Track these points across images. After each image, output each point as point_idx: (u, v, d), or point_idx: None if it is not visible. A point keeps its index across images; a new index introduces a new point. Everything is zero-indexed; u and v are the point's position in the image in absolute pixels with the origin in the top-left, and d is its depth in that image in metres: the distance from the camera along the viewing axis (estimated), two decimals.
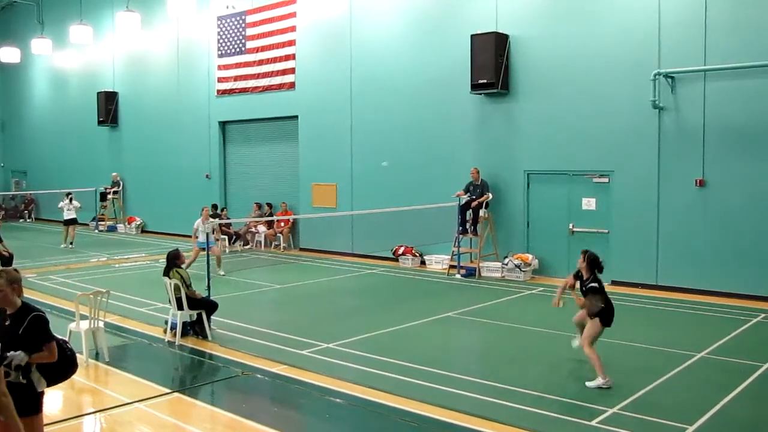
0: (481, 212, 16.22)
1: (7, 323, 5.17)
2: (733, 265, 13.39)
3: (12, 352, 4.96)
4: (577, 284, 8.55)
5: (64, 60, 30.42)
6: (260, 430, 7.02)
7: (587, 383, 8.11)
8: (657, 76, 13.92)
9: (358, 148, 19.52)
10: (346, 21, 19.60)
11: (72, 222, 22.14)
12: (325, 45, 20.25)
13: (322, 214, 19.62)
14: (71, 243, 21.97)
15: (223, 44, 23.14)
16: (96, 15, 27.77)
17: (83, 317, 9.50)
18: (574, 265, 8.71)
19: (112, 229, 27.39)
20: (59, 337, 5.43)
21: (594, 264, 8.31)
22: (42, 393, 5.22)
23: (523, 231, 16.26)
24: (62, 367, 5.30)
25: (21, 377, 5.04)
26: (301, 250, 20.89)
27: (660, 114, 14.16)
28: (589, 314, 8.30)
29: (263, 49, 21.88)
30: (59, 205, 22.76)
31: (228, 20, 22.95)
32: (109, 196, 27.41)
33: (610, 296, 8.40)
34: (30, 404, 5.14)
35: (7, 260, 15.56)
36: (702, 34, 13.52)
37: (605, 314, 8.23)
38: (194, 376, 9.49)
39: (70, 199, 22.46)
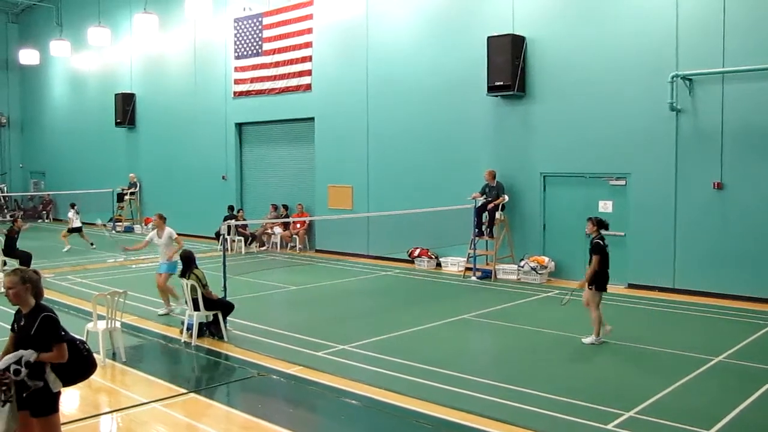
0: (497, 214, 16.16)
1: (21, 323, 5.24)
2: (751, 269, 13.26)
3: (22, 350, 5.05)
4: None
5: (83, 62, 30.71)
6: (275, 430, 7.04)
7: (583, 339, 10.07)
8: (674, 78, 13.82)
9: (374, 150, 19.53)
10: (362, 23, 19.63)
11: (79, 230, 22.33)
12: (341, 47, 20.28)
13: (337, 216, 19.65)
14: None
15: (240, 46, 23.25)
16: (114, 17, 28.03)
17: (100, 317, 9.59)
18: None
19: (128, 229, 27.59)
20: (77, 336, 5.48)
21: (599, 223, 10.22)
22: (58, 393, 5.27)
23: (540, 233, 16.20)
24: (79, 367, 5.35)
25: (35, 380, 5.09)
26: (317, 251, 20.93)
27: (677, 116, 14.06)
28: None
29: (280, 51, 21.95)
30: (69, 215, 22.85)
31: (245, 22, 23.06)
32: (126, 197, 27.63)
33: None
34: (46, 404, 5.21)
35: (25, 260, 15.74)
36: (720, 36, 13.40)
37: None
38: (210, 376, 9.53)
39: (76, 210, 22.60)
